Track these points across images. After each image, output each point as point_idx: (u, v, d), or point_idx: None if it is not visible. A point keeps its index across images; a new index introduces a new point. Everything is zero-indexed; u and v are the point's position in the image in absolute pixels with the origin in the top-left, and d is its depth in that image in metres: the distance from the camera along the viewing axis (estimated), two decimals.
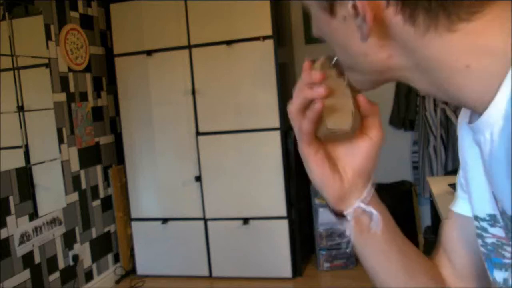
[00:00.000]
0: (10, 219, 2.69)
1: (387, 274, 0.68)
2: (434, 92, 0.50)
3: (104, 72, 3.72)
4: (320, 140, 0.64)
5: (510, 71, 0.42)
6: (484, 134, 0.45)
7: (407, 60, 0.49)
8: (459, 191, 0.67)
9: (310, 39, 3.84)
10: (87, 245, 3.39)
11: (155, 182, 3.60)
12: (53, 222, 3.04)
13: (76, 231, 3.28)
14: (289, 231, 3.35)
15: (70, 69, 3.30)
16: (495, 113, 0.43)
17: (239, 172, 3.41)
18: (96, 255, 3.48)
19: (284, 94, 3.41)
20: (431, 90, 0.50)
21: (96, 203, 3.52)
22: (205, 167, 3.47)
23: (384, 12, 0.45)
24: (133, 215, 3.68)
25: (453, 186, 2.17)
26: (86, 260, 3.37)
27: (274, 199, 3.35)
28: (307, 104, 0.59)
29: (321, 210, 3.47)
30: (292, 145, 3.34)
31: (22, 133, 2.79)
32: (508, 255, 0.51)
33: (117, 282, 3.65)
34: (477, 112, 0.47)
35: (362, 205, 0.63)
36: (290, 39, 3.79)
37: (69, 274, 3.18)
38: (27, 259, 2.81)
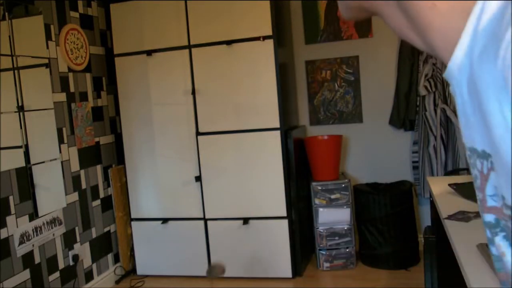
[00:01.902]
0: (10, 219, 2.69)
1: None
2: (409, 33, 0.51)
3: (104, 72, 3.72)
4: None
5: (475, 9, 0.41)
6: (454, 81, 0.45)
7: None
8: None
9: (310, 39, 3.84)
10: (87, 245, 3.39)
11: (155, 182, 3.60)
12: (53, 222, 3.04)
13: (76, 231, 3.28)
14: (289, 231, 3.35)
15: (70, 69, 3.31)
16: (460, 54, 0.43)
17: (239, 172, 3.41)
18: (96, 255, 3.48)
19: (284, 94, 3.41)
20: (407, 32, 0.51)
21: (96, 203, 3.52)
22: (205, 167, 3.47)
23: None
24: (133, 215, 3.69)
25: (453, 186, 2.17)
26: (86, 260, 3.37)
27: (274, 199, 3.35)
28: None
29: (321, 210, 3.47)
30: (292, 145, 3.34)
31: (22, 133, 2.79)
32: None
33: (117, 282, 3.65)
34: (447, 60, 0.47)
35: None
36: (290, 39, 3.79)
37: (69, 274, 3.18)
38: (27, 259, 2.81)
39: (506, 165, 0.40)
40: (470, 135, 0.46)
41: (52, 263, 3.02)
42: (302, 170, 3.60)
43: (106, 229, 3.61)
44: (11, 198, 2.71)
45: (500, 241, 0.49)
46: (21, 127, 2.78)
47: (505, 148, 0.39)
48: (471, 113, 0.43)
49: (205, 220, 3.52)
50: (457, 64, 0.44)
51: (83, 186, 3.38)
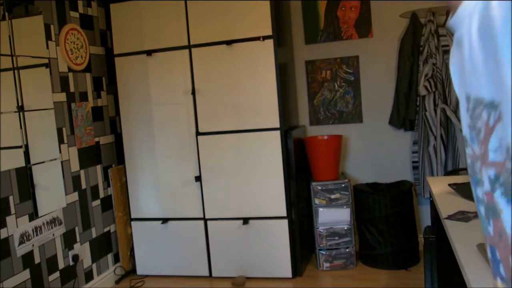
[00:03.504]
0: (10, 219, 2.69)
1: None
2: None
3: (104, 72, 3.72)
4: None
5: None
6: (464, 26, 0.44)
7: None
8: None
9: (310, 39, 3.84)
10: (87, 245, 3.39)
11: (155, 182, 3.61)
12: (53, 222, 3.04)
13: (76, 231, 3.28)
14: (289, 231, 3.35)
15: (70, 69, 3.31)
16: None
17: (239, 172, 3.41)
18: (96, 255, 3.48)
19: (284, 94, 3.41)
20: None
21: (96, 203, 3.52)
22: (205, 167, 3.47)
23: None
24: (133, 215, 3.69)
25: (453, 186, 2.17)
26: (86, 260, 3.37)
27: (274, 199, 3.35)
28: None
29: (321, 210, 3.47)
30: (292, 145, 3.34)
31: (22, 133, 2.79)
32: (478, 170, 0.51)
33: (117, 282, 3.65)
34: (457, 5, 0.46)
35: None
36: (290, 39, 3.79)
37: (69, 274, 3.18)
38: (27, 259, 2.81)
39: None
40: (478, 84, 0.44)
41: (52, 263, 3.02)
42: (302, 170, 3.60)
43: (106, 229, 3.61)
44: (11, 198, 2.71)
45: (498, 198, 0.47)
46: (21, 127, 2.78)
47: None
48: (482, 61, 0.42)
49: (205, 220, 3.52)
50: (469, 8, 0.43)
51: (83, 186, 3.38)
